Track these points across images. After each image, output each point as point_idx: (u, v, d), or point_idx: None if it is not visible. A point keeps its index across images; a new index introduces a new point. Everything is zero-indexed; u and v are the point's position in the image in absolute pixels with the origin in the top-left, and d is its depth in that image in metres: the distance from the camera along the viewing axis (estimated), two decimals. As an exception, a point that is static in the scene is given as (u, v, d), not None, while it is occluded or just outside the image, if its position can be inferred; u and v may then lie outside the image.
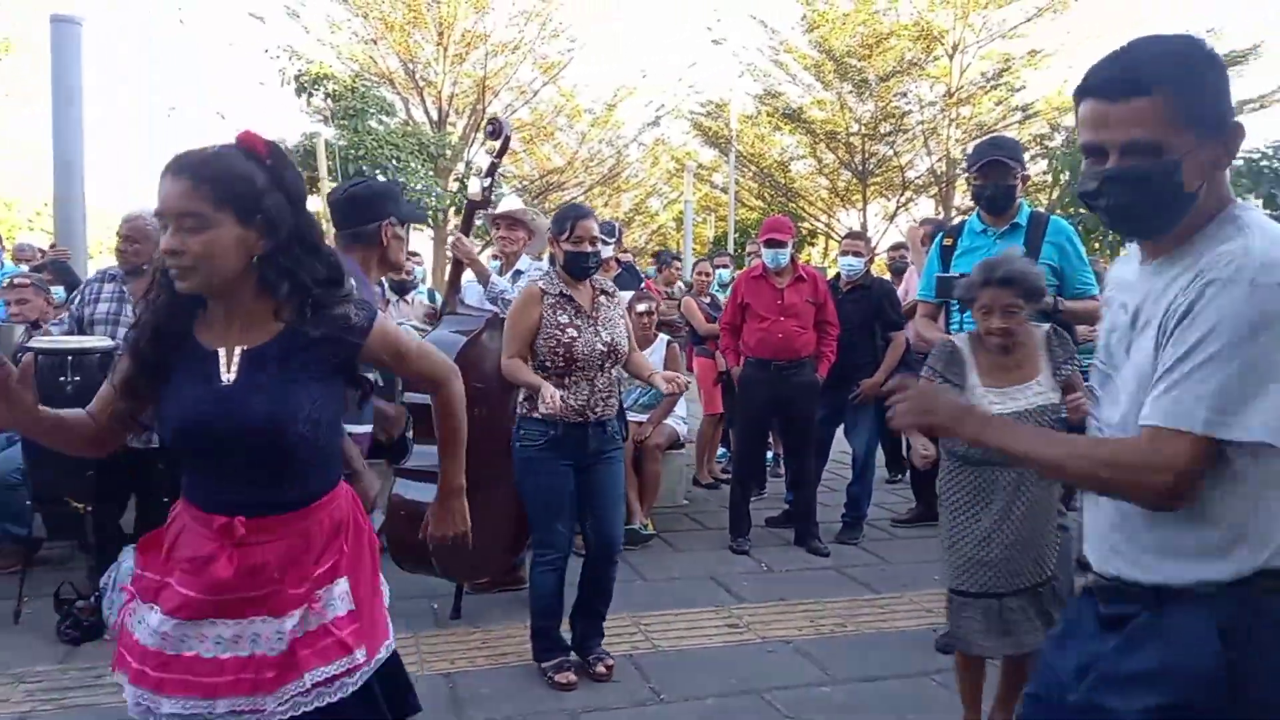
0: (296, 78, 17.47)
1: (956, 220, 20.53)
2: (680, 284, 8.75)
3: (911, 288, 6.16)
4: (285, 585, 1.63)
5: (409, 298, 6.80)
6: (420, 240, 20.18)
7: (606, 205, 24.82)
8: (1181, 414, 1.27)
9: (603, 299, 3.52)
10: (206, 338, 1.67)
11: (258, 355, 1.64)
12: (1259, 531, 1.29)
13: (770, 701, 3.28)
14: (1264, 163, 10.68)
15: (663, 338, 5.87)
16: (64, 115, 6.58)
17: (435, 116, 20.23)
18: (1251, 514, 1.30)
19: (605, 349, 3.40)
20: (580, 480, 3.45)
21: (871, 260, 6.29)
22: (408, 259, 7.22)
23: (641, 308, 5.57)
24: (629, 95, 21.91)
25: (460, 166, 19.27)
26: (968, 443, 1.56)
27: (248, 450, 1.61)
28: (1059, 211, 9.60)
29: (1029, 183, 3.80)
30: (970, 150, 4.07)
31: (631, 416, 5.26)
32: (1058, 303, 3.43)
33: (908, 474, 6.25)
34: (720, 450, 7.33)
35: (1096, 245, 10.43)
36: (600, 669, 3.47)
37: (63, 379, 3.83)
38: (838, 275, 5.70)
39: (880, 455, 5.59)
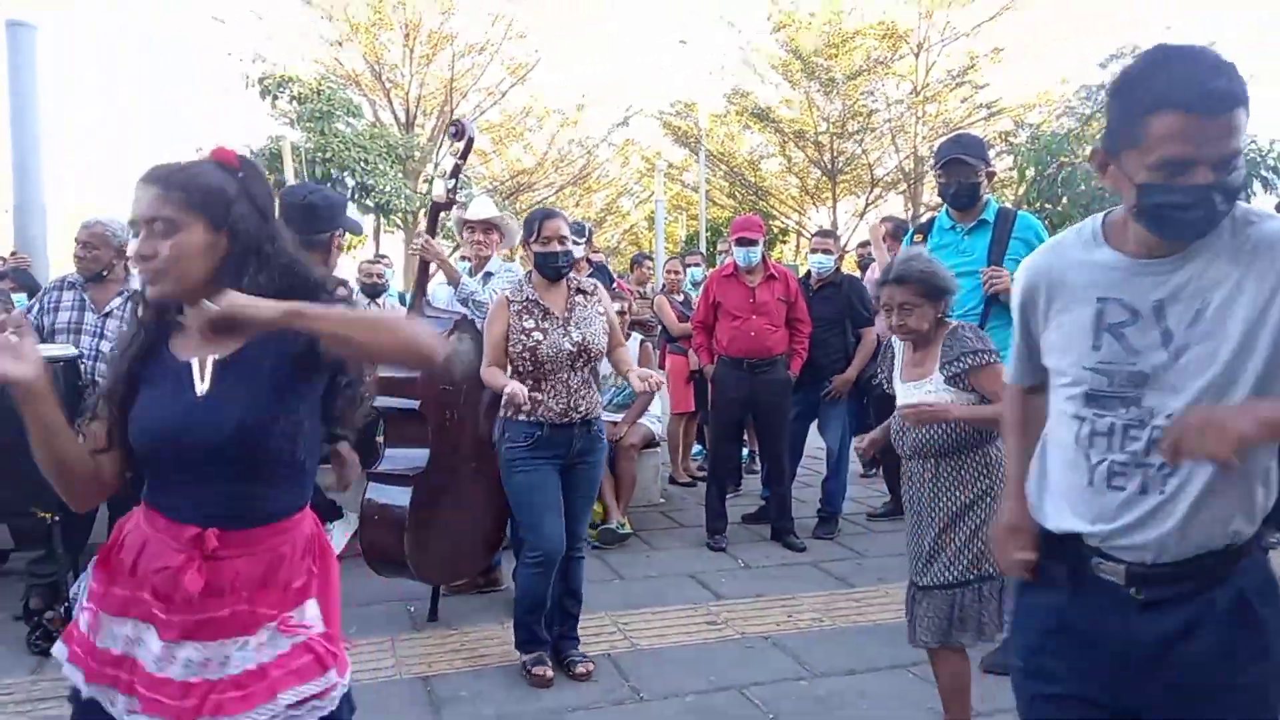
0: (261, 80, 17.28)
1: (925, 216, 20.73)
2: (653, 284, 8.77)
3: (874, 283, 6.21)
4: (256, 605, 1.59)
5: (380, 301, 6.76)
6: (392, 242, 20.08)
7: (578, 205, 24.79)
8: None
9: (579, 299, 3.52)
10: (179, 349, 1.66)
11: (231, 364, 1.62)
12: None
13: (749, 697, 3.30)
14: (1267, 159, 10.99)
15: (636, 337, 5.88)
16: (20, 122, 6.46)
17: (403, 118, 20.12)
18: None
19: (574, 348, 3.40)
20: (563, 479, 3.46)
21: (842, 258, 6.34)
22: (378, 261, 7.19)
23: (615, 307, 5.56)
24: (598, 102, 21.95)
25: (429, 168, 19.17)
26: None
27: (226, 461, 1.59)
28: (1025, 207, 9.74)
29: (994, 179, 3.85)
30: (936, 148, 4.13)
31: (606, 416, 5.26)
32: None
33: (881, 469, 6.30)
34: (696, 448, 7.36)
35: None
36: (579, 670, 3.47)
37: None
38: (808, 273, 5.74)
39: (854, 450, 5.63)
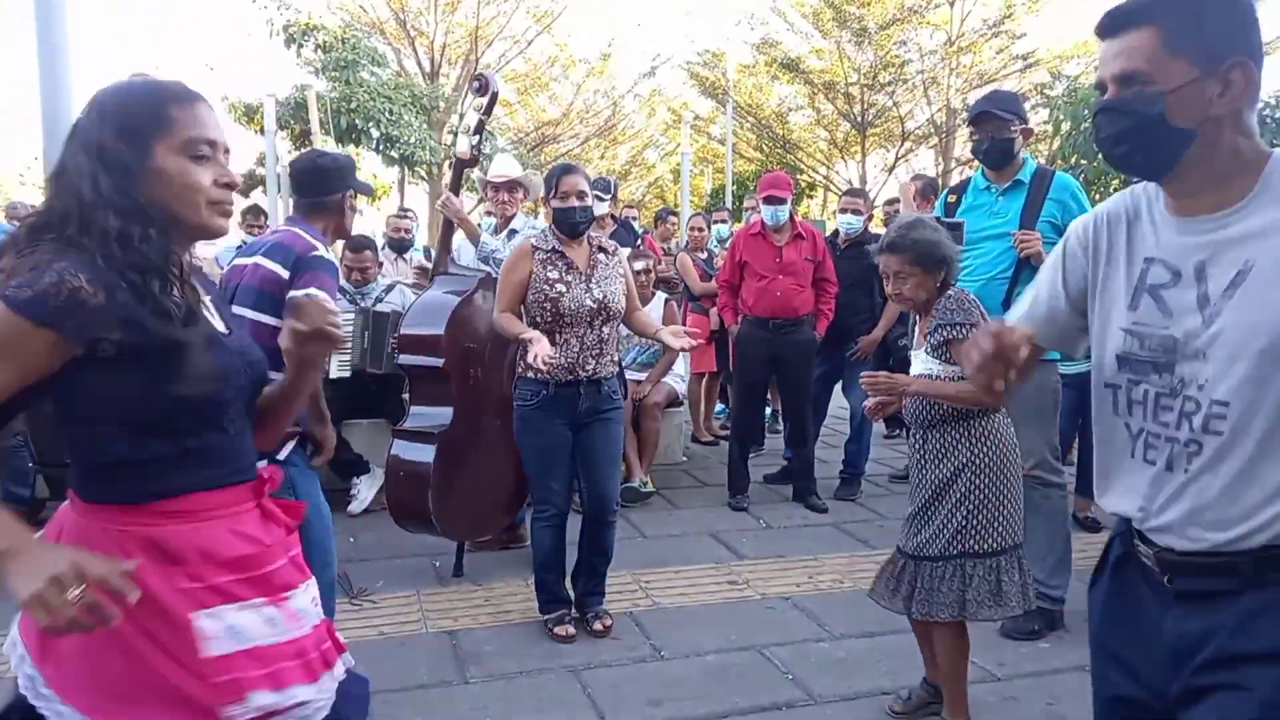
0: (285, 29, 17.13)
1: (956, 173, 20.29)
2: (676, 240, 8.71)
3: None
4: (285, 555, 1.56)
5: (406, 256, 6.76)
6: (416, 194, 20.03)
7: (603, 158, 24.55)
8: None
9: (600, 256, 3.50)
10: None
11: (217, 306, 1.58)
12: None
13: (769, 658, 3.33)
14: (1265, 112, 10.57)
15: (660, 295, 5.85)
16: (51, 74, 6.44)
17: (428, 67, 19.90)
18: None
19: (595, 305, 3.39)
20: (576, 439, 3.47)
21: (870, 217, 6.24)
22: (405, 216, 7.17)
23: (639, 266, 5.54)
24: (624, 48, 21.61)
25: (454, 119, 19.01)
26: None
27: (254, 399, 1.57)
28: (1060, 163, 9.51)
29: (1031, 136, 3.75)
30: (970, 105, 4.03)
31: (630, 375, 5.27)
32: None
33: (905, 430, 6.27)
34: (719, 406, 7.35)
35: (1097, 197, 10.35)
36: (598, 625, 3.52)
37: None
38: (836, 232, 5.67)
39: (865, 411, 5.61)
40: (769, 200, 5.10)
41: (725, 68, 20.38)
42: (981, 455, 2.69)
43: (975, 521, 2.67)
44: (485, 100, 4.03)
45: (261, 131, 13.99)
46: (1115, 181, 11.20)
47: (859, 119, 20.91)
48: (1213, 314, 1.33)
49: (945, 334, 2.65)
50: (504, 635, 3.54)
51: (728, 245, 6.96)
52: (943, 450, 2.72)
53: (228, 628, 1.39)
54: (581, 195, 3.42)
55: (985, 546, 2.67)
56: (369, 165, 19.77)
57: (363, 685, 1.65)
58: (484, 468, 3.95)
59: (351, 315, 4.89)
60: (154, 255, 1.37)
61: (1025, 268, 3.49)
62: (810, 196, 23.45)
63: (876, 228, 6.93)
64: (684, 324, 6.64)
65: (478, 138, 4.09)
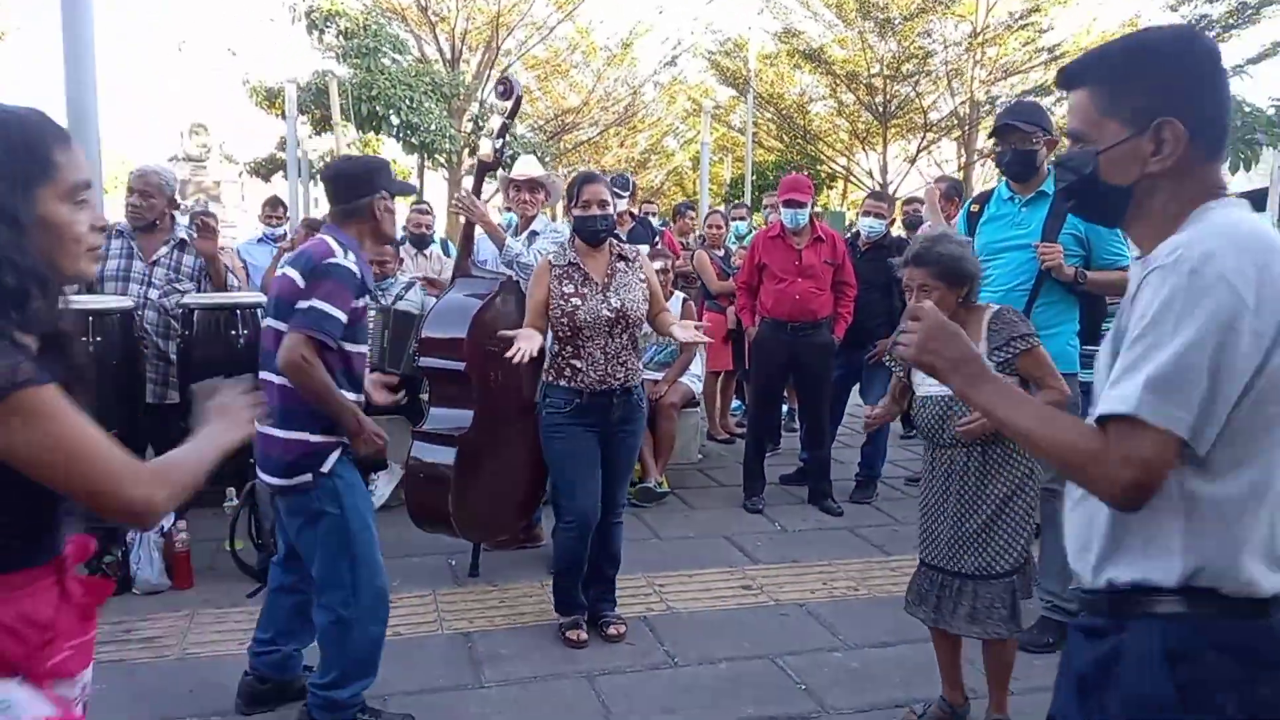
0: (308, 14, 17.15)
1: (979, 165, 20.05)
2: (695, 234, 8.69)
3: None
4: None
5: (426, 251, 6.78)
6: (434, 180, 20.06)
7: (622, 145, 24.50)
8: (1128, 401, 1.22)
9: (620, 265, 3.50)
10: None
11: None
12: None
13: (782, 667, 3.35)
14: (1273, 114, 10.43)
15: (679, 295, 5.84)
16: (76, 68, 6.47)
17: (448, 54, 19.88)
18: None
19: (612, 315, 3.39)
20: (602, 448, 3.49)
21: (892, 221, 6.20)
22: (426, 212, 7.18)
23: (656, 265, 5.51)
24: (645, 33, 21.48)
25: (474, 106, 19.00)
26: (956, 394, 1.44)
27: None
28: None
29: (1056, 146, 3.72)
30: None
31: (646, 375, 5.27)
32: (1077, 274, 3.39)
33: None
34: (735, 403, 7.35)
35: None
36: (611, 631, 3.55)
37: (84, 339, 3.87)
38: (856, 234, 5.64)
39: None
40: (789, 204, 5.08)
41: (746, 56, 20.25)
42: (1031, 467, 2.73)
43: (1030, 535, 2.74)
44: (509, 104, 4.03)
45: (283, 116, 14.01)
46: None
47: (881, 110, 20.74)
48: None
49: (1019, 346, 2.66)
50: (519, 637, 3.57)
51: (746, 243, 6.95)
52: (1003, 463, 2.72)
53: None
54: (603, 204, 3.43)
55: (1026, 560, 2.76)
56: (388, 152, 19.80)
57: None
58: (503, 471, 3.97)
59: (372, 313, 4.92)
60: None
61: (1046, 280, 3.47)
62: (830, 187, 23.32)
63: (897, 230, 6.88)
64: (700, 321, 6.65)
65: (501, 141, 4.10)
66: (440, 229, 9.21)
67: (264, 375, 2.71)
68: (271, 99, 16.75)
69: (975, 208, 3.79)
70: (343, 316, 2.61)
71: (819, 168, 22.13)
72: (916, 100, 20.53)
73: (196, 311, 4.20)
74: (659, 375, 5.56)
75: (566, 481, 3.50)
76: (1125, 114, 1.33)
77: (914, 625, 3.62)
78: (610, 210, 3.48)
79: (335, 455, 2.70)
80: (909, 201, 7.36)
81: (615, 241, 3.61)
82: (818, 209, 6.42)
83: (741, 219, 7.92)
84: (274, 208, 7.82)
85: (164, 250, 4.32)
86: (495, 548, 4.38)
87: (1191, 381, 1.18)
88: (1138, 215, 1.37)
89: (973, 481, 2.75)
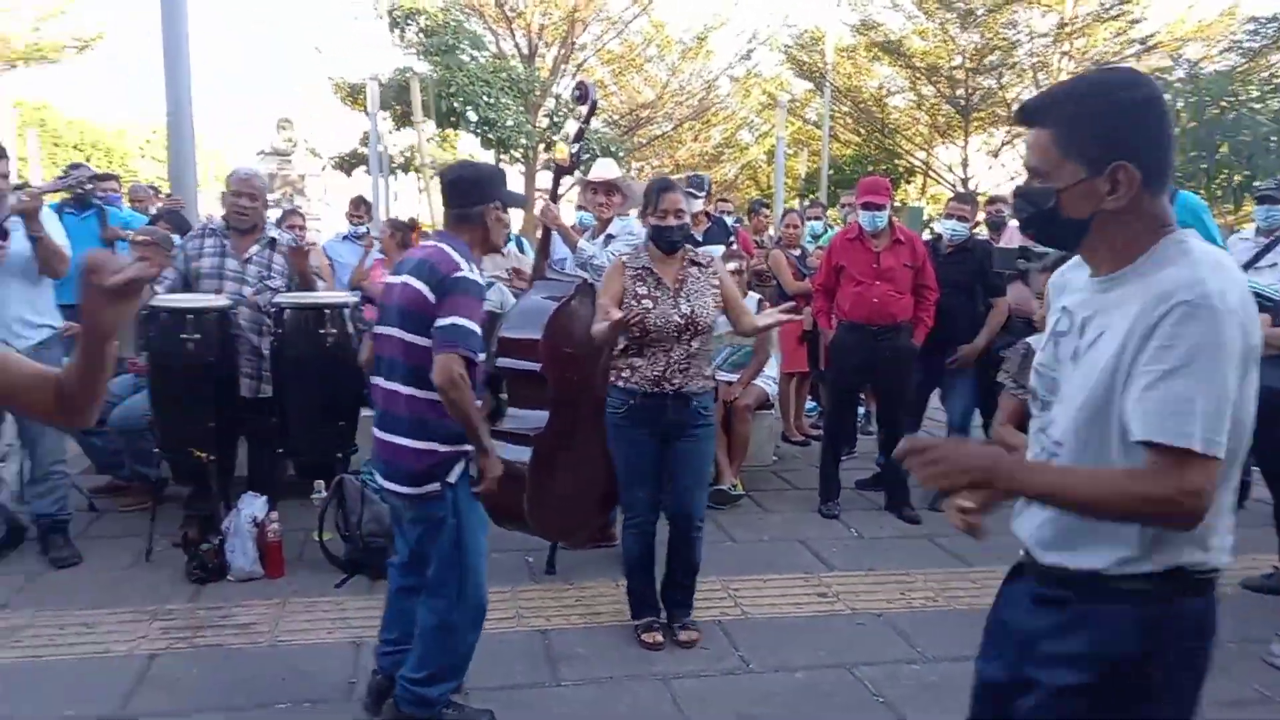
0: (390, 12, 17.53)
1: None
2: (770, 233, 8.63)
3: (1012, 244, 5.95)
4: None
5: (505, 250, 6.87)
6: (510, 176, 20.27)
7: (696, 139, 24.39)
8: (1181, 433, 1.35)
9: (693, 270, 3.50)
10: None
11: None
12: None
13: (859, 677, 3.32)
14: None
15: (754, 296, 5.82)
16: (174, 70, 6.74)
17: (525, 49, 20.07)
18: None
19: (682, 321, 3.41)
20: (664, 452, 3.51)
21: (976, 224, 6.05)
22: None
23: (731, 266, 5.50)
24: (720, 26, 21.35)
25: (549, 102, 19.16)
26: (1006, 495, 1.57)
27: None
28: (1176, 156, 9.05)
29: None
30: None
31: (721, 376, 5.28)
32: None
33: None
34: (810, 403, 7.30)
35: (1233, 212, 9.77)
36: (683, 637, 3.57)
37: (183, 336, 4.05)
38: (938, 237, 5.54)
39: (978, 419, 5.47)
40: (867, 206, 5.00)
41: (823, 49, 19.97)
42: None
43: None
44: (585, 108, 4.08)
45: (365, 112, 14.36)
46: (1239, 178, 10.56)
47: (962, 103, 20.24)
48: (1076, 367, 1.51)
49: None
50: (595, 637, 3.62)
51: (822, 243, 6.88)
52: None
53: None
54: (679, 213, 3.44)
55: None
56: (465, 147, 20.08)
57: None
58: (578, 470, 4.01)
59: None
60: None
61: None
62: (908, 181, 22.86)
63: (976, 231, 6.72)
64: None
65: (578, 145, 4.15)
66: (515, 226, 9.34)
67: (385, 384, 2.79)
68: (355, 95, 17.17)
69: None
70: (479, 330, 2.68)
71: (897, 162, 21.71)
72: (1000, 93, 19.97)
73: (288, 310, 4.34)
74: (734, 377, 5.55)
75: (624, 480, 3.57)
76: (1083, 156, 1.44)
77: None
78: (686, 219, 3.49)
79: (460, 467, 2.78)
80: (992, 201, 7.19)
81: (688, 247, 3.63)
82: (895, 204, 6.30)
83: (817, 218, 7.84)
84: (356, 207, 8.02)
85: (255, 248, 4.48)
86: (571, 547, 4.44)
87: (1224, 410, 1.35)
88: (1093, 243, 1.51)
89: None
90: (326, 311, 4.34)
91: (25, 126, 20.57)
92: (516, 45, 20.10)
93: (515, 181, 19.66)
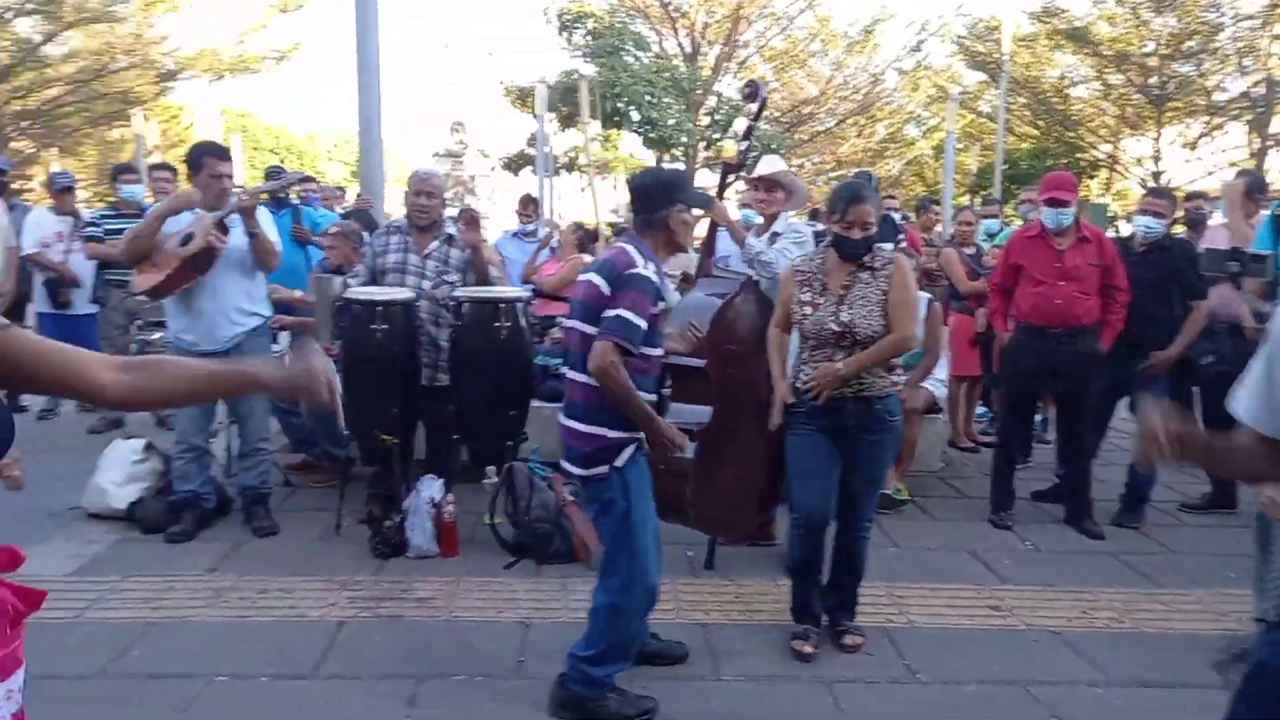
0: (559, 15, 18.07)
1: (1275, 152, 17.70)
2: (939, 230, 8.33)
3: (1218, 243, 5.47)
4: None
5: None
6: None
7: (860, 135, 23.80)
8: None
9: (863, 275, 3.38)
10: None
11: None
12: None
13: (1035, 696, 3.16)
14: None
15: (924, 296, 5.62)
16: (366, 82, 7.19)
17: (688, 48, 20.20)
18: None
19: (839, 329, 3.32)
20: (841, 453, 3.44)
21: (1174, 222, 5.61)
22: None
23: (901, 266, 5.36)
24: (889, 18, 20.77)
25: (711, 100, 19.20)
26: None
27: None
28: None
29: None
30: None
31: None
32: None
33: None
34: (980, 408, 6.99)
35: None
36: (847, 641, 3.49)
37: (373, 327, 4.32)
38: (1130, 235, 5.17)
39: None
40: (1051, 203, 4.73)
41: (1000, 39, 19.03)
42: None
43: None
44: (755, 106, 4.07)
45: (533, 114, 14.87)
46: None
47: (1156, 91, 18.81)
48: None
49: None
50: (755, 635, 3.60)
51: (997, 242, 6.57)
52: None
53: None
54: (866, 226, 3.33)
55: None
56: (627, 145, 20.39)
57: None
58: (740, 467, 4.01)
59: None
60: None
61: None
62: (1091, 177, 21.46)
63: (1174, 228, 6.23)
64: (945, 322, 6.37)
65: (746, 143, 4.15)
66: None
67: (569, 374, 2.96)
68: (523, 97, 17.80)
69: (1283, 211, 3.37)
70: (644, 324, 2.80)
71: (1079, 156, 20.43)
72: (1199, 80, 18.43)
73: (465, 304, 4.56)
74: (901, 379, 5.39)
75: (795, 477, 3.53)
76: None
77: (1188, 665, 3.33)
78: (872, 231, 3.38)
79: (629, 451, 2.89)
80: (1191, 197, 6.65)
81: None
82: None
83: (993, 216, 7.49)
84: (525, 205, 8.32)
85: (434, 245, 4.73)
86: (730, 543, 4.44)
87: None
88: None
89: None
90: (502, 305, 4.53)
91: (230, 132, 22.48)
92: (680, 44, 20.28)
93: (676, 180, 19.85)
